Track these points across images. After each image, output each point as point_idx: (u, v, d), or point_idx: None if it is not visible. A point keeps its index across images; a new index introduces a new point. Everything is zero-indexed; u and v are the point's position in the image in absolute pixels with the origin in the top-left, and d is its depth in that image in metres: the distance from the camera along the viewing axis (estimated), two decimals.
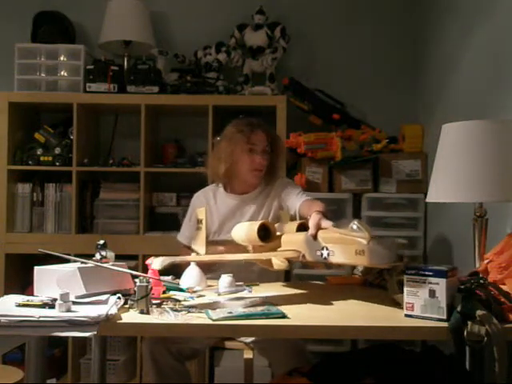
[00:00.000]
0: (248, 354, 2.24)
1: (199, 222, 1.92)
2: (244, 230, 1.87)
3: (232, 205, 2.30)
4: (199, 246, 1.89)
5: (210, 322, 1.40)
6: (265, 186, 2.33)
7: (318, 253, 1.56)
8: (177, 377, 2.03)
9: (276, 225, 1.93)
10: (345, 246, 1.47)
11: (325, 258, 1.54)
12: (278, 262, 1.59)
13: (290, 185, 2.32)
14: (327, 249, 1.53)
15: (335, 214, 2.99)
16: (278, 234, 1.86)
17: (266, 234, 1.81)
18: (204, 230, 1.88)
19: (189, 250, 2.16)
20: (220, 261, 1.76)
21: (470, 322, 1.30)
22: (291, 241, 1.73)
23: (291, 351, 1.98)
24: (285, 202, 2.23)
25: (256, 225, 1.81)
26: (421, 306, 1.39)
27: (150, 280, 1.53)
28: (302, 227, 1.82)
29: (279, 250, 1.77)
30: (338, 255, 1.50)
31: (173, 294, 1.69)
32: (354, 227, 1.45)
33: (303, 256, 1.63)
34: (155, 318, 1.42)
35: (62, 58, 3.11)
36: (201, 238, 1.89)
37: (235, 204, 2.30)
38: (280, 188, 2.29)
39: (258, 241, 1.79)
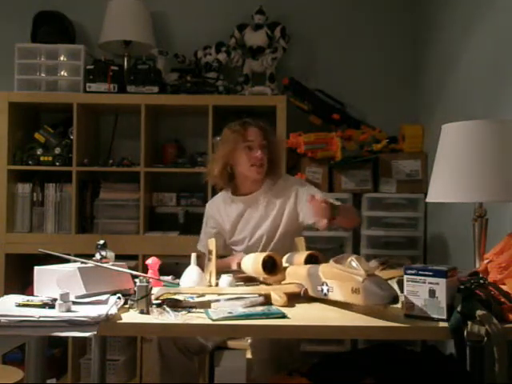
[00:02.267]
0: (250, 354, 2.24)
1: (210, 253, 1.93)
2: (250, 262, 1.88)
3: (241, 207, 2.36)
4: (209, 276, 1.89)
5: (210, 321, 1.40)
6: (271, 184, 2.35)
7: (319, 288, 1.56)
8: (183, 372, 2.05)
9: (287, 255, 1.94)
10: (342, 282, 1.46)
11: (325, 294, 1.54)
12: (277, 297, 1.58)
13: (302, 190, 2.29)
14: (327, 284, 1.53)
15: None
16: (285, 265, 1.85)
17: (273, 266, 1.81)
18: (214, 261, 1.89)
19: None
20: (220, 293, 1.76)
21: (469, 322, 1.30)
22: (295, 274, 1.73)
23: (284, 352, 1.99)
24: (300, 212, 2.28)
25: (261, 257, 1.81)
26: (421, 306, 1.39)
27: (150, 280, 1.53)
28: (311, 258, 1.82)
29: (283, 282, 1.78)
30: (336, 292, 1.49)
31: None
32: (353, 264, 1.45)
33: (305, 291, 1.63)
34: (155, 318, 1.42)
35: (62, 58, 3.11)
36: (210, 269, 1.89)
37: (243, 205, 2.35)
38: (293, 194, 2.29)
39: (263, 273, 1.80)
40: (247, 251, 2.15)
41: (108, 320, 1.37)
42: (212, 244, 1.94)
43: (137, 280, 1.50)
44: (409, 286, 1.41)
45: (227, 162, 2.29)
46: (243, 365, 2.34)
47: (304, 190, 2.29)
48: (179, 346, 2.03)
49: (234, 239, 2.37)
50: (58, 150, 3.00)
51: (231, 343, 2.25)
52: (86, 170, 3.04)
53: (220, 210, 2.40)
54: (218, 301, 1.58)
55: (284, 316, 1.45)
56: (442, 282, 1.36)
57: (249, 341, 2.13)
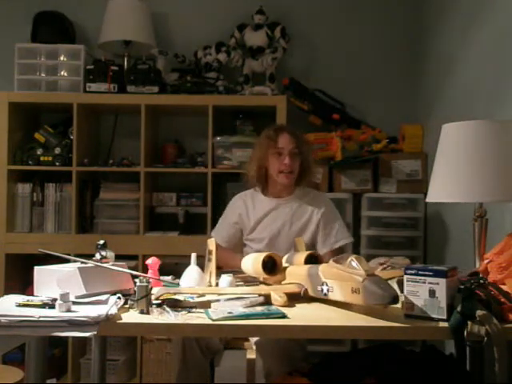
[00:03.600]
0: (251, 354, 2.24)
1: (210, 252, 1.93)
2: (250, 262, 1.88)
3: (268, 207, 2.41)
4: (209, 276, 1.89)
5: (210, 321, 1.40)
6: (302, 193, 2.42)
7: (319, 288, 1.56)
8: (200, 372, 2.08)
9: (288, 254, 1.95)
10: (342, 282, 1.46)
11: (325, 294, 1.54)
12: (277, 296, 1.58)
13: (328, 218, 2.37)
14: (327, 284, 1.53)
15: None
16: (285, 265, 1.85)
17: (273, 266, 1.81)
18: (214, 261, 1.89)
19: (226, 252, 2.31)
20: (219, 294, 1.76)
21: (469, 322, 1.30)
22: (295, 273, 1.73)
23: (288, 353, 1.99)
24: (318, 239, 2.36)
25: (261, 257, 1.82)
26: (421, 306, 1.39)
27: (150, 280, 1.53)
28: (311, 258, 1.82)
29: (283, 282, 1.78)
30: (336, 292, 1.49)
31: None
32: (353, 264, 1.45)
33: (305, 291, 1.63)
34: (155, 318, 1.42)
35: (62, 58, 3.11)
36: (210, 269, 1.89)
37: (271, 207, 2.41)
38: (319, 216, 2.36)
39: (263, 273, 1.80)
40: (261, 250, 2.17)
41: (108, 320, 1.37)
42: (212, 244, 1.93)
43: (137, 280, 1.50)
44: (409, 285, 1.41)
45: (261, 164, 2.38)
46: (243, 365, 2.34)
47: (329, 218, 2.37)
48: (201, 346, 2.06)
49: (254, 236, 2.40)
50: (58, 150, 3.00)
51: (231, 343, 2.25)
52: (86, 170, 3.03)
53: (247, 205, 2.44)
54: (218, 301, 1.58)
55: (284, 316, 1.45)
56: (442, 282, 1.36)
57: (253, 340, 2.13)
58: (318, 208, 2.38)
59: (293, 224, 2.37)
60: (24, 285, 2.90)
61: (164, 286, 1.82)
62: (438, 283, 1.37)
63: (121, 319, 1.41)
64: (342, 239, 2.37)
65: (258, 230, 2.40)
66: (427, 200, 1.93)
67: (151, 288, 1.49)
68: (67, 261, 1.69)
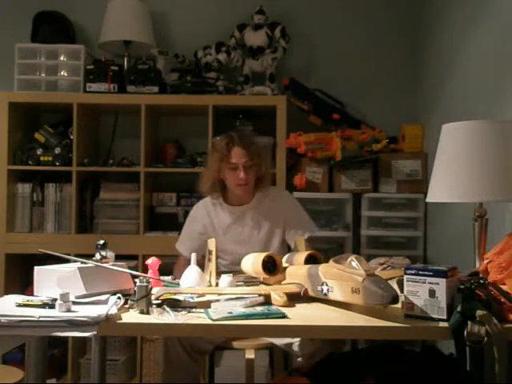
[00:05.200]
0: (249, 354, 2.24)
1: (210, 252, 1.94)
2: (250, 262, 1.88)
3: (233, 216, 2.41)
4: (209, 276, 1.89)
5: (210, 321, 1.40)
6: (262, 197, 2.42)
7: (319, 288, 1.56)
8: (186, 372, 2.06)
9: (288, 255, 1.95)
10: (342, 282, 1.46)
11: (325, 294, 1.54)
12: (277, 297, 1.58)
13: (291, 215, 2.41)
14: (327, 284, 1.53)
15: (335, 214, 3.00)
16: (285, 265, 1.86)
17: (273, 266, 1.81)
18: (214, 261, 1.90)
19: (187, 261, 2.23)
20: (219, 294, 1.76)
21: (469, 322, 1.30)
22: (295, 273, 1.73)
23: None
24: (287, 230, 2.39)
25: (261, 257, 1.82)
26: (421, 306, 1.39)
27: (150, 280, 1.53)
28: (311, 258, 1.83)
29: (283, 283, 1.78)
30: (336, 292, 1.49)
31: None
32: (353, 264, 1.45)
33: (305, 291, 1.63)
34: (155, 318, 1.42)
35: (61, 58, 3.11)
36: (210, 269, 1.90)
37: (234, 216, 2.41)
38: (283, 217, 2.39)
39: (263, 273, 1.80)
40: (235, 263, 2.16)
41: (108, 320, 1.38)
42: (212, 244, 1.94)
43: (137, 280, 1.50)
44: (409, 286, 1.41)
45: (216, 177, 2.37)
46: (243, 365, 2.34)
47: (293, 213, 2.42)
48: (185, 346, 2.05)
49: (224, 247, 2.35)
50: (58, 150, 3.00)
51: (235, 343, 2.25)
52: (86, 170, 3.03)
53: (210, 214, 2.43)
54: (217, 301, 1.58)
55: (284, 316, 1.45)
56: (442, 282, 1.36)
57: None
58: (280, 207, 2.41)
59: (260, 229, 2.39)
60: (24, 285, 2.90)
61: (164, 286, 1.82)
62: (438, 283, 1.37)
63: (121, 319, 1.41)
64: (308, 231, 2.38)
65: (226, 241, 2.37)
66: (427, 200, 1.93)
67: (151, 288, 1.49)
68: (67, 261, 1.69)
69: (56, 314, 1.40)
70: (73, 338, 2.71)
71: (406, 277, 1.42)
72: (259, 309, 1.49)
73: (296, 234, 2.32)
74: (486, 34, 2.29)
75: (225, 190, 2.42)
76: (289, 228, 2.39)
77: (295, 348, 2.05)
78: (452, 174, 1.79)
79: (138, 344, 2.94)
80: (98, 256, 1.68)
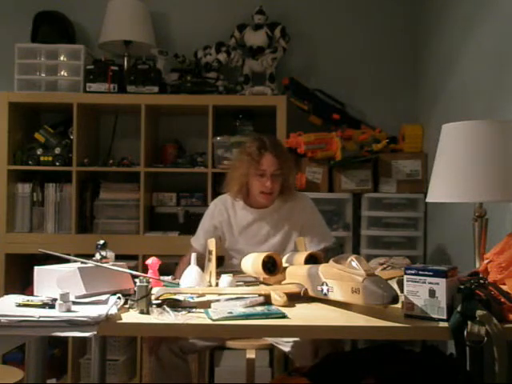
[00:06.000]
0: (250, 354, 2.24)
1: (210, 252, 1.93)
2: (250, 262, 1.88)
3: (250, 218, 2.38)
4: (209, 276, 1.89)
5: (210, 321, 1.40)
6: (283, 202, 2.39)
7: (319, 288, 1.56)
8: (176, 373, 2.04)
9: (288, 254, 1.95)
10: (342, 282, 1.46)
11: (325, 294, 1.54)
12: (277, 297, 1.58)
13: (310, 221, 2.38)
14: (327, 284, 1.53)
15: (335, 214, 3.00)
16: (285, 265, 1.85)
17: (273, 266, 1.81)
18: (214, 261, 1.89)
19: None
20: (219, 294, 1.76)
21: (469, 322, 1.30)
22: (295, 273, 1.73)
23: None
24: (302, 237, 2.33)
25: (261, 257, 1.82)
26: (421, 306, 1.39)
27: (150, 280, 1.53)
28: (311, 258, 1.83)
29: (283, 282, 1.78)
30: (336, 292, 1.49)
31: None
32: (353, 264, 1.45)
33: (305, 291, 1.63)
34: (155, 317, 1.42)
35: (62, 58, 3.11)
36: (210, 269, 1.89)
37: (253, 217, 2.38)
38: (300, 222, 2.37)
39: (263, 273, 1.80)
40: None
41: (108, 320, 1.37)
42: (212, 244, 1.93)
43: (137, 280, 1.50)
44: (409, 286, 1.41)
45: (244, 181, 2.33)
46: (243, 365, 2.34)
47: (311, 220, 2.39)
48: (171, 346, 2.02)
49: (238, 247, 2.36)
50: (58, 150, 3.00)
51: (231, 343, 2.25)
52: (86, 170, 3.03)
53: (228, 211, 2.41)
54: (218, 301, 1.58)
55: (284, 316, 1.45)
56: (442, 281, 1.36)
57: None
58: (299, 212, 2.38)
59: (277, 233, 2.36)
60: (24, 285, 2.90)
61: (164, 286, 1.82)
62: (438, 283, 1.37)
63: (121, 319, 1.41)
64: (324, 242, 2.36)
65: (241, 241, 2.37)
66: (427, 200, 1.93)
67: (151, 288, 1.49)
68: (67, 261, 1.69)
69: (56, 313, 1.40)
70: (73, 337, 2.71)
71: (405, 277, 1.42)
72: (259, 309, 1.49)
73: (311, 243, 2.28)
74: (486, 34, 2.29)
75: (247, 192, 2.40)
76: (304, 235, 2.32)
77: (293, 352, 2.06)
78: (452, 174, 1.79)
79: (138, 344, 2.95)
80: (97, 256, 1.68)
